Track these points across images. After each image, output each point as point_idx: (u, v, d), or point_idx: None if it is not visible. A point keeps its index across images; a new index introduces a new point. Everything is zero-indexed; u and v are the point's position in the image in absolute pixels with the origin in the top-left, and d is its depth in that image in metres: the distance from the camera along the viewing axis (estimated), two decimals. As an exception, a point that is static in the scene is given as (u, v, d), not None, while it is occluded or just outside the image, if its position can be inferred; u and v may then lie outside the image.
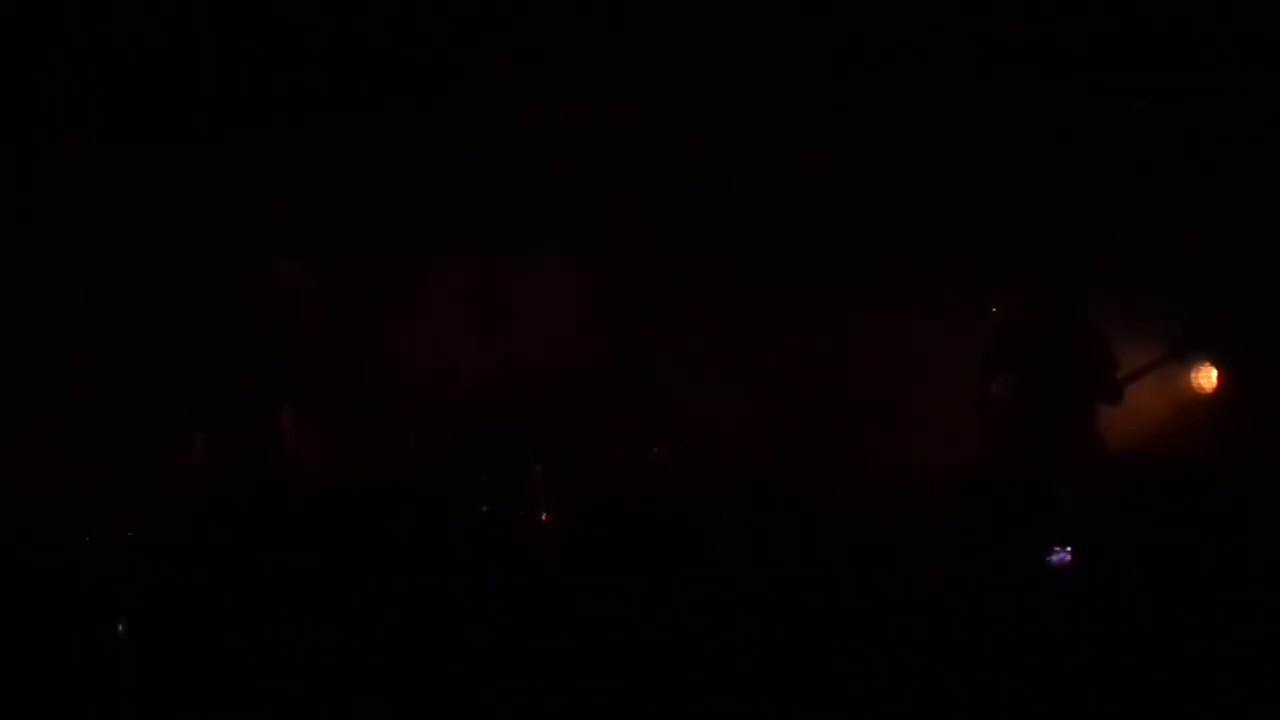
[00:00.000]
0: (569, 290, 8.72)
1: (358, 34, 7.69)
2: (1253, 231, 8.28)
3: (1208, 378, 7.52)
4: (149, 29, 7.48)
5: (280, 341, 7.91)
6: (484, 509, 7.75)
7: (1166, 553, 3.59)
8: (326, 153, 8.41)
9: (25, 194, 8.48)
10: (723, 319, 8.81)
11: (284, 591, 3.45)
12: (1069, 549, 3.69)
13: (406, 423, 8.46)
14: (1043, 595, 3.58)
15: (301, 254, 8.52)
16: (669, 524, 3.79)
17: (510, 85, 8.19)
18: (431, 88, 8.14)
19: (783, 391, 8.68)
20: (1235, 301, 8.26)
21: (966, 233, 8.45)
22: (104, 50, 7.64)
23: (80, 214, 8.50)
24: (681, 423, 8.65)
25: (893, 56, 8.03)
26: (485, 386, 8.48)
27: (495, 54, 8.04)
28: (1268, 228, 8.25)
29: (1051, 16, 7.82)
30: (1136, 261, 8.13)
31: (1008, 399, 7.20)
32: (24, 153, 8.34)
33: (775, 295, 8.80)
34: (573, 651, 3.42)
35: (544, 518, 7.74)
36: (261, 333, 7.92)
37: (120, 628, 3.49)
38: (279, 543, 3.50)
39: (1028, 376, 7.25)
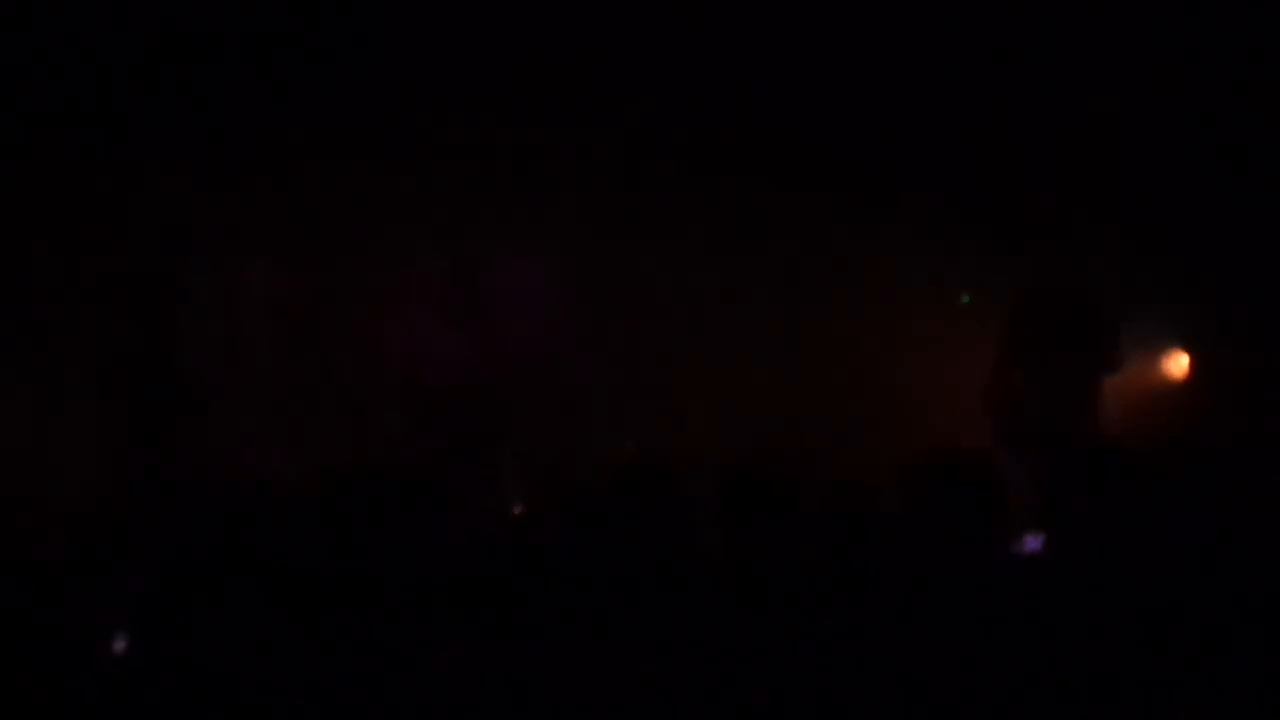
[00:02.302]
0: (543, 281, 8.73)
1: (329, 26, 7.65)
2: (1225, 220, 8.33)
3: (1178, 365, 7.56)
4: (112, 21, 7.41)
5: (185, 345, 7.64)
6: (459, 505, 7.72)
7: (1140, 539, 3.60)
8: (295, 146, 8.39)
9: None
10: (700, 310, 8.84)
11: (242, 599, 3.42)
12: (1040, 536, 3.70)
13: (377, 418, 8.45)
14: (1015, 585, 3.58)
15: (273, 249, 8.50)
16: (644, 519, 3.79)
17: (482, 78, 8.19)
18: (403, 80, 8.14)
19: (762, 384, 8.70)
20: (1210, 291, 8.31)
21: (947, 224, 8.51)
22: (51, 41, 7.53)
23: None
24: (657, 416, 8.66)
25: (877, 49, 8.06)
26: (458, 381, 8.48)
27: (469, 48, 8.04)
28: (1241, 217, 8.30)
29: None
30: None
31: (1021, 387, 7.23)
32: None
33: (756, 287, 8.84)
34: (551, 651, 3.41)
35: (517, 512, 7.74)
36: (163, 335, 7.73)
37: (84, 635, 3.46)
38: (236, 548, 3.48)
39: (1042, 362, 7.27)
